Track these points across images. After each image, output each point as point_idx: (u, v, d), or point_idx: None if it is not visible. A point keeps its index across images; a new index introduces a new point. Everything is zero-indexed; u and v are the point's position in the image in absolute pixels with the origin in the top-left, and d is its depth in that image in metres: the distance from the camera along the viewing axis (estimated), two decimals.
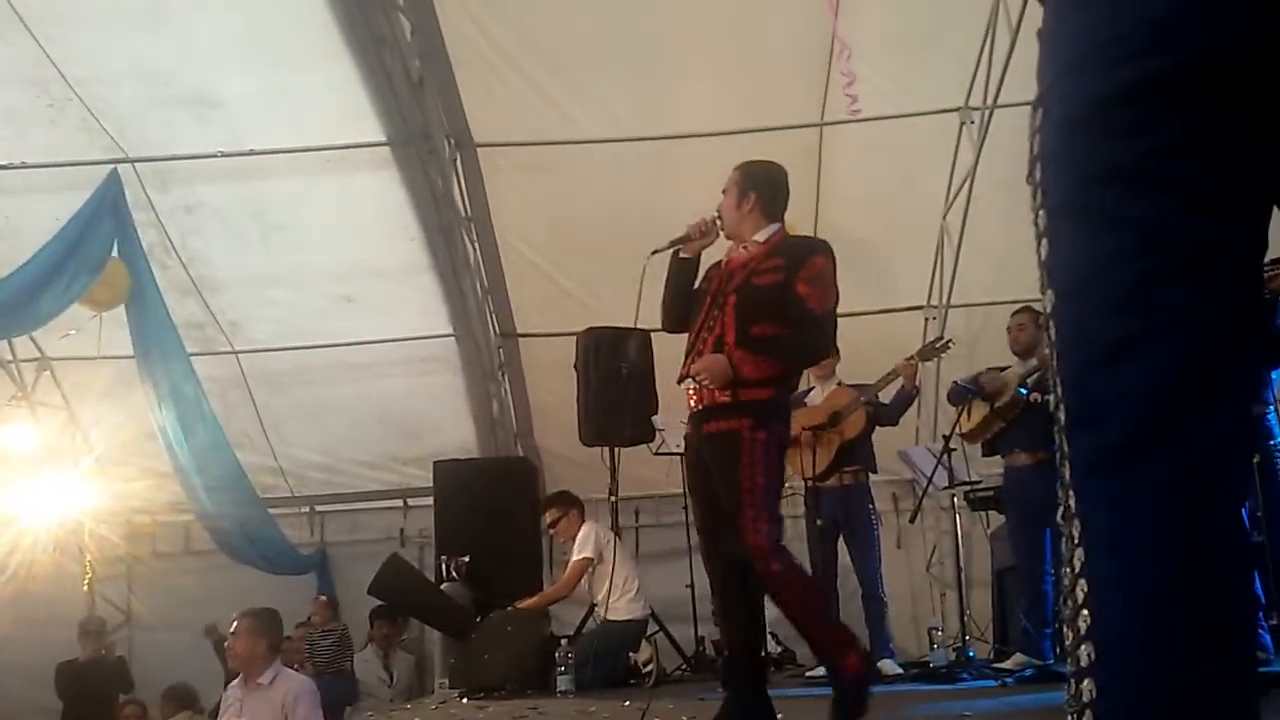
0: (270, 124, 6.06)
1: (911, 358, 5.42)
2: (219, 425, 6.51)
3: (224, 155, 6.21)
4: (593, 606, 5.51)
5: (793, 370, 3.52)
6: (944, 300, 6.98)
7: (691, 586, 6.01)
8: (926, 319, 7.13)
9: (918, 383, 5.56)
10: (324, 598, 7.44)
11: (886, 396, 5.61)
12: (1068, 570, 1.03)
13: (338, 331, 7.05)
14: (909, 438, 6.92)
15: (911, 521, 6.28)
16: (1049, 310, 1.08)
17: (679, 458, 6.39)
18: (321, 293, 6.90)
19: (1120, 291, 1.01)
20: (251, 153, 6.19)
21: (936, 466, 5.65)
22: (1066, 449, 1.05)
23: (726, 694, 3.44)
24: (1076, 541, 1.03)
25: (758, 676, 3.43)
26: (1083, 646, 1.01)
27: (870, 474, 5.85)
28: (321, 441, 7.69)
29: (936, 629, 5.80)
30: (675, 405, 6.06)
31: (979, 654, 5.45)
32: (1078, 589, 1.01)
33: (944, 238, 6.84)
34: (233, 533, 6.74)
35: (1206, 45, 0.97)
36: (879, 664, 5.46)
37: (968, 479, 5.81)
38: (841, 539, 5.76)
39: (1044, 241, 1.08)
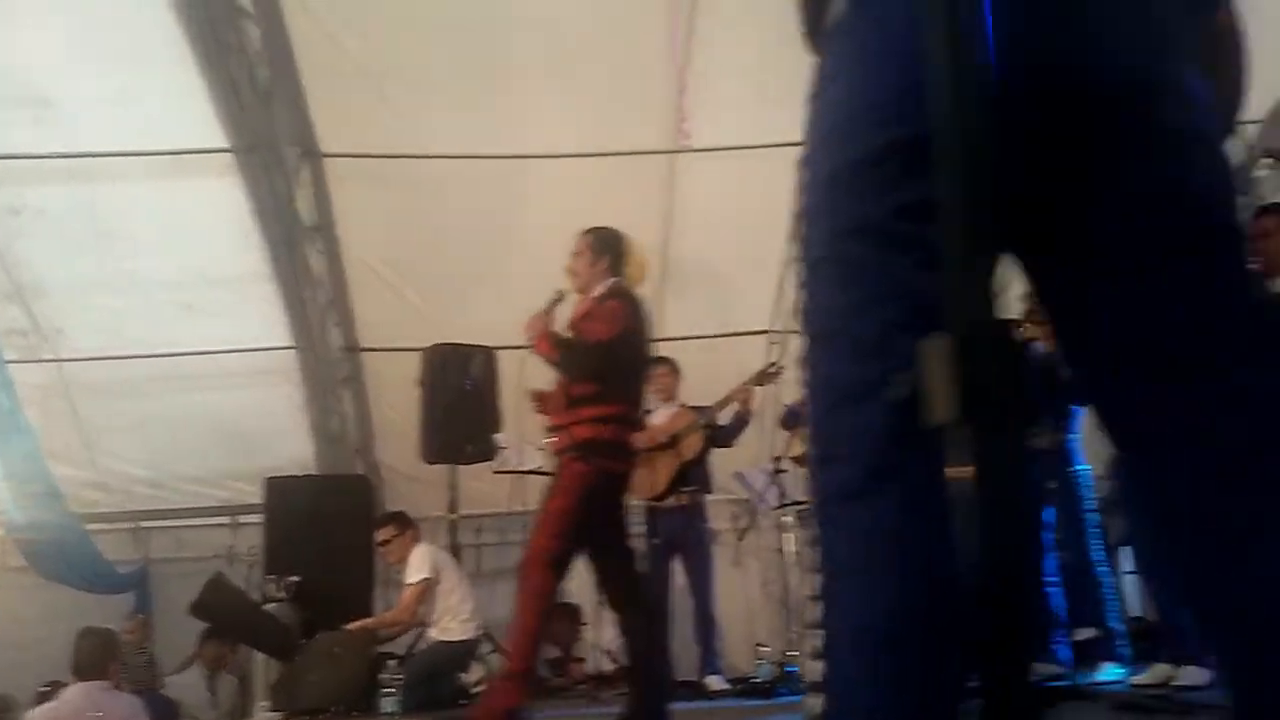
0: (110, 127, 5.85)
1: (747, 382, 5.58)
2: (35, 436, 6.20)
3: (58, 156, 5.96)
4: (423, 627, 5.45)
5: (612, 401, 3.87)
6: (787, 325, 7.20)
7: None
8: (770, 343, 7.34)
9: (753, 406, 5.72)
10: (141, 616, 7.16)
11: (727, 419, 5.75)
12: (810, 592, 1.13)
13: (172, 340, 6.81)
14: (749, 459, 7.10)
15: (740, 540, 6.44)
16: (803, 355, 1.17)
17: (523, 475, 6.41)
18: (156, 300, 6.66)
19: (864, 338, 1.10)
20: (87, 154, 5.96)
21: (769, 487, 5.82)
22: (815, 481, 1.15)
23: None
24: (819, 566, 1.12)
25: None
26: (819, 662, 1.11)
27: (706, 494, 5.99)
28: (148, 455, 7.39)
29: (764, 645, 5.95)
30: (518, 423, 6.09)
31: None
32: (817, 609, 1.11)
33: (789, 264, 7.06)
34: (46, 549, 6.42)
35: (947, 112, 1.07)
36: (705, 679, 5.58)
37: (799, 499, 6.00)
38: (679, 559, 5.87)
39: (803, 291, 1.18)
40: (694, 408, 5.84)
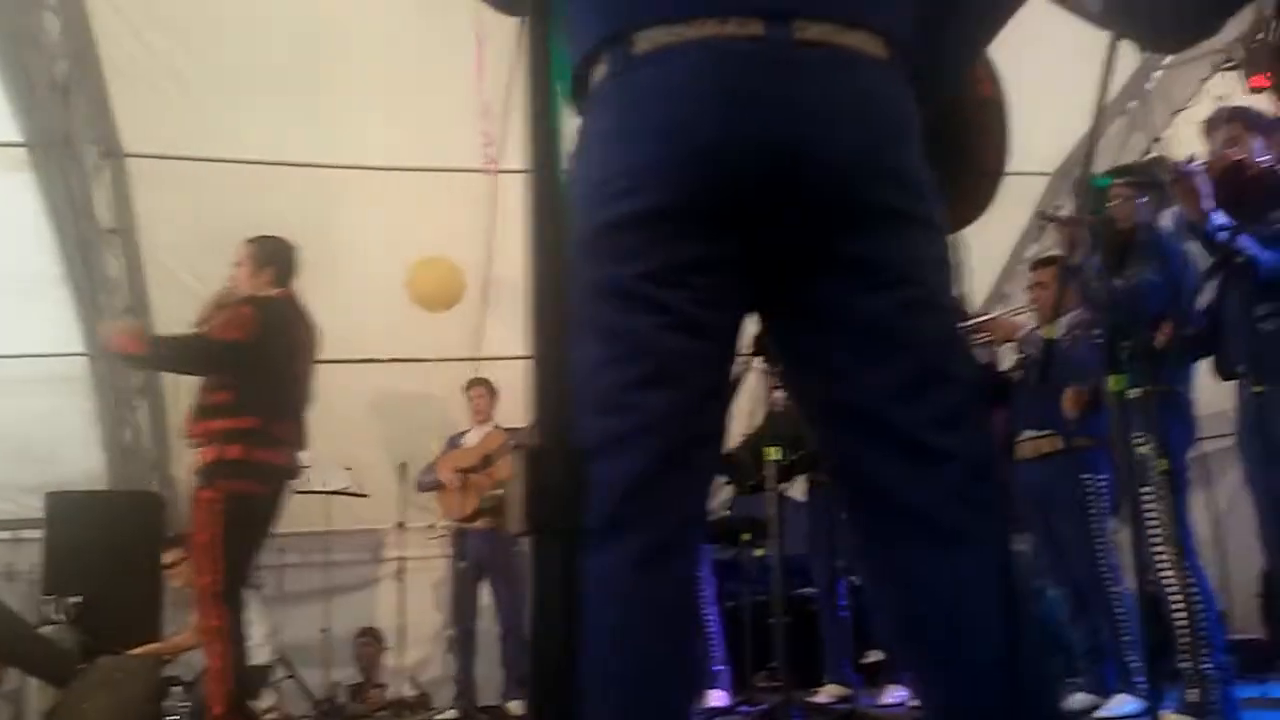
0: None
1: None
2: None
3: None
4: None
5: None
6: None
7: (327, 630, 5.85)
8: None
9: None
10: None
11: None
12: None
13: None
14: None
15: None
16: None
17: (327, 495, 6.25)
18: None
19: (604, 395, 1.16)
20: None
21: None
22: None
23: None
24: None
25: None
26: None
27: None
28: None
29: None
30: (322, 440, 5.92)
31: None
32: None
33: None
34: None
35: (683, 191, 1.15)
36: (508, 704, 5.55)
37: None
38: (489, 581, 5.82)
39: None
40: (510, 429, 5.82)
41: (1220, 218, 2.94)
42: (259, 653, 5.18)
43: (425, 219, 6.26)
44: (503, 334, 6.81)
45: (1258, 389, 2.90)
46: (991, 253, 6.49)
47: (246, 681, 5.10)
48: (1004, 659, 1.10)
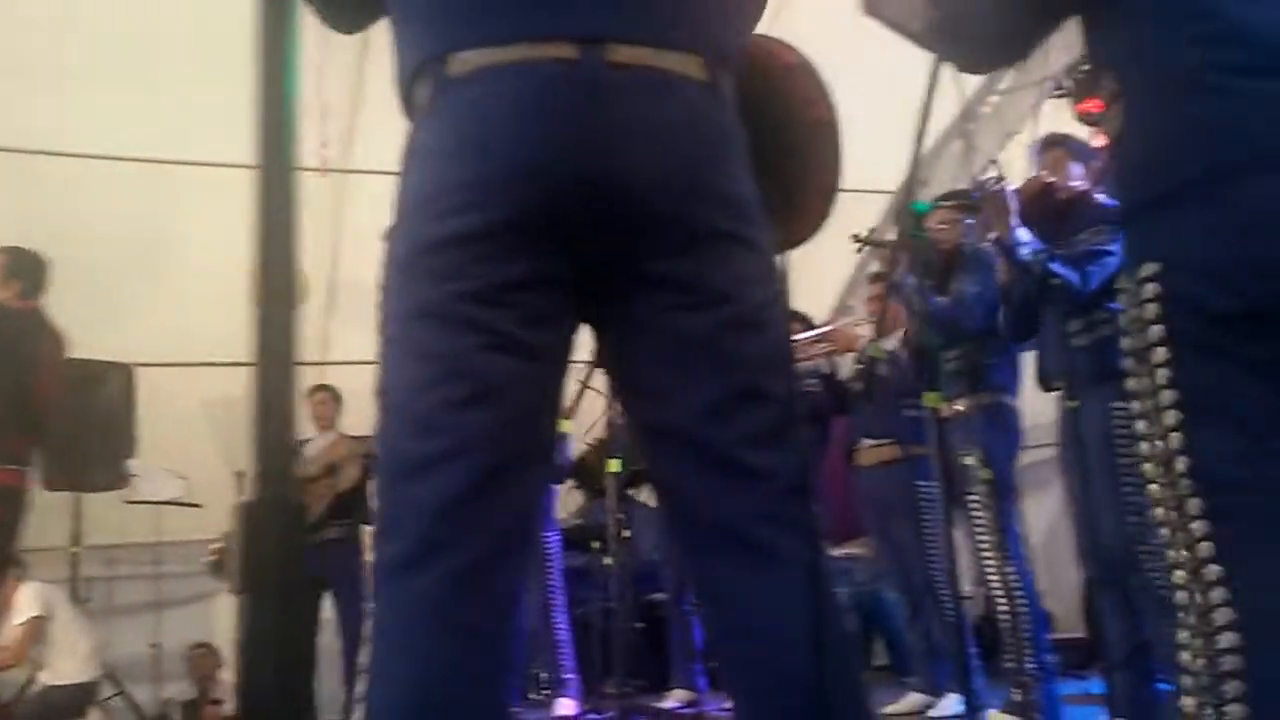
0: None
1: None
2: None
3: None
4: (35, 670, 4.94)
5: None
6: None
7: (158, 645, 5.60)
8: None
9: None
10: None
11: None
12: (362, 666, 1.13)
13: None
14: None
15: None
16: (375, 429, 1.19)
17: (158, 505, 5.98)
18: None
19: (423, 415, 1.15)
20: None
21: None
22: (374, 554, 1.17)
23: None
24: (370, 636, 1.14)
25: None
26: None
27: (365, 526, 5.82)
28: None
29: None
30: (153, 448, 5.67)
31: None
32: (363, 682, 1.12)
33: None
34: None
35: (501, 212, 1.15)
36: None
37: None
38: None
39: (379, 365, 1.20)
40: (355, 437, 5.67)
41: (1025, 236, 3.09)
42: (83, 669, 4.91)
43: None
44: (349, 337, 6.64)
45: (1071, 404, 3.05)
46: (836, 266, 6.68)
47: (72, 701, 4.85)
48: (813, 675, 1.13)
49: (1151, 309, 1.48)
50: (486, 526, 1.13)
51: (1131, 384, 1.54)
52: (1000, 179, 3.15)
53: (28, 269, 3.99)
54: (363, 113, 5.92)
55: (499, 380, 1.15)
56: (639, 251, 1.18)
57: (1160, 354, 1.47)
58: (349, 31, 1.42)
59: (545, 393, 1.22)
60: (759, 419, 1.20)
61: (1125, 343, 1.54)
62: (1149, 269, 1.48)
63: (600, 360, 1.32)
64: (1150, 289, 1.47)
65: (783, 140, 1.41)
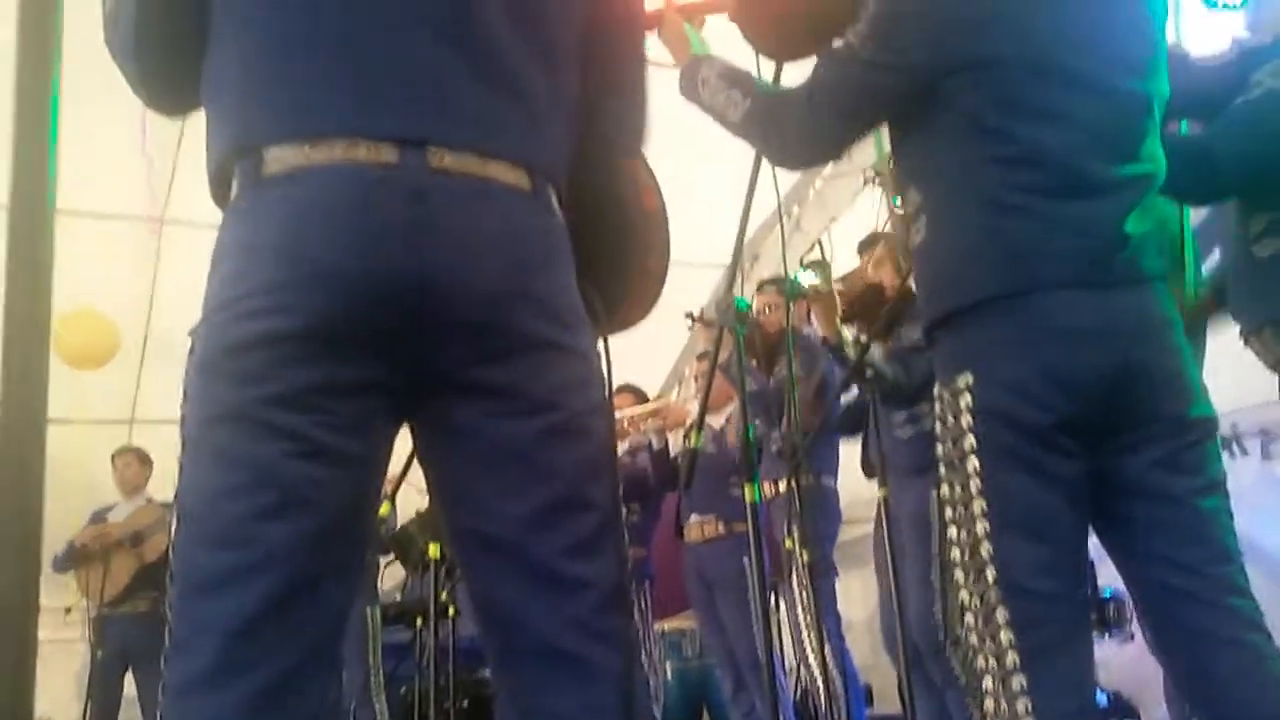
0: None
1: None
2: None
3: None
4: None
5: None
6: None
7: None
8: None
9: None
10: None
11: None
12: None
13: None
14: None
15: None
16: (172, 537, 1.12)
17: None
18: None
19: (224, 526, 1.07)
20: None
21: None
22: (164, 673, 1.09)
23: None
24: None
25: None
26: None
27: None
28: None
29: None
30: None
31: None
32: None
33: None
34: None
35: (311, 316, 1.10)
36: None
37: None
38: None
39: (180, 469, 1.13)
40: (164, 503, 5.39)
41: (849, 335, 3.23)
42: None
43: (75, 268, 5.73)
44: (162, 394, 6.32)
45: (883, 490, 3.17)
46: (668, 337, 6.79)
47: None
48: None
49: (966, 419, 1.54)
50: (291, 643, 1.07)
51: (945, 490, 1.60)
52: (825, 264, 3.27)
53: None
54: (185, 162, 5.69)
55: (305, 490, 1.09)
56: (456, 358, 1.16)
57: (973, 463, 1.54)
58: (169, 114, 1.34)
59: (357, 499, 1.16)
60: (578, 529, 1.19)
61: (940, 449, 1.60)
62: (964, 379, 1.55)
63: (419, 459, 1.29)
64: (966, 399, 1.55)
65: (615, 226, 1.43)
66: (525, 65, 1.23)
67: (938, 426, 1.61)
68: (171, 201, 5.88)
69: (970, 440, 1.54)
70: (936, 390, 1.61)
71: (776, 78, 1.98)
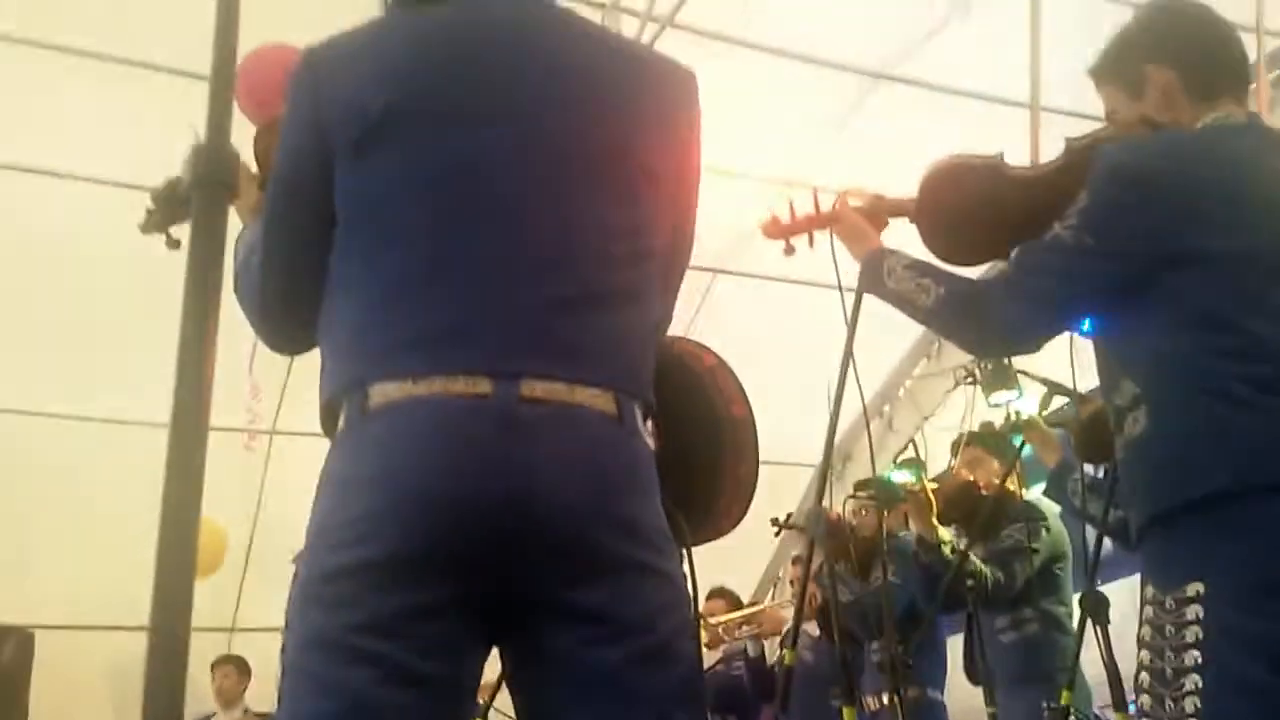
0: None
1: None
2: None
3: None
4: None
5: None
6: None
7: None
8: None
9: None
10: None
11: None
12: None
13: None
14: None
15: None
16: None
17: None
18: None
19: None
20: None
21: None
22: None
23: None
24: None
25: None
26: None
27: None
28: None
29: None
30: (44, 713, 5.31)
31: None
32: None
33: None
34: None
35: (405, 543, 1.16)
36: None
37: None
38: None
39: (280, 691, 1.17)
40: (261, 714, 5.39)
41: (947, 535, 3.16)
42: None
43: None
44: (263, 603, 6.41)
45: (991, 709, 3.03)
46: (761, 540, 6.71)
47: None
48: None
49: (1192, 632, 1.44)
50: None
51: (1146, 702, 1.49)
52: (920, 479, 3.25)
53: None
54: (295, 378, 5.96)
55: (397, 713, 1.13)
56: (546, 583, 1.19)
57: (1194, 681, 1.43)
58: (286, 354, 1.47)
59: (451, 713, 1.20)
60: None
61: (1147, 657, 1.50)
62: (1194, 588, 1.45)
63: (508, 683, 1.30)
64: (1193, 611, 1.44)
65: (705, 437, 1.46)
66: (613, 294, 1.30)
67: (1146, 632, 1.50)
68: (280, 414, 6.14)
69: (1195, 655, 1.44)
70: (1150, 594, 1.52)
71: None
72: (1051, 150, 1.89)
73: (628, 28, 4.44)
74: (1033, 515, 3.22)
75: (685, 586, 1.31)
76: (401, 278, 1.25)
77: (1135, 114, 1.72)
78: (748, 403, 1.55)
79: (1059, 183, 1.69)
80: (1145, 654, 1.51)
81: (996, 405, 3.84)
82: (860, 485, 4.15)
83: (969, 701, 3.75)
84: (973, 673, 3.33)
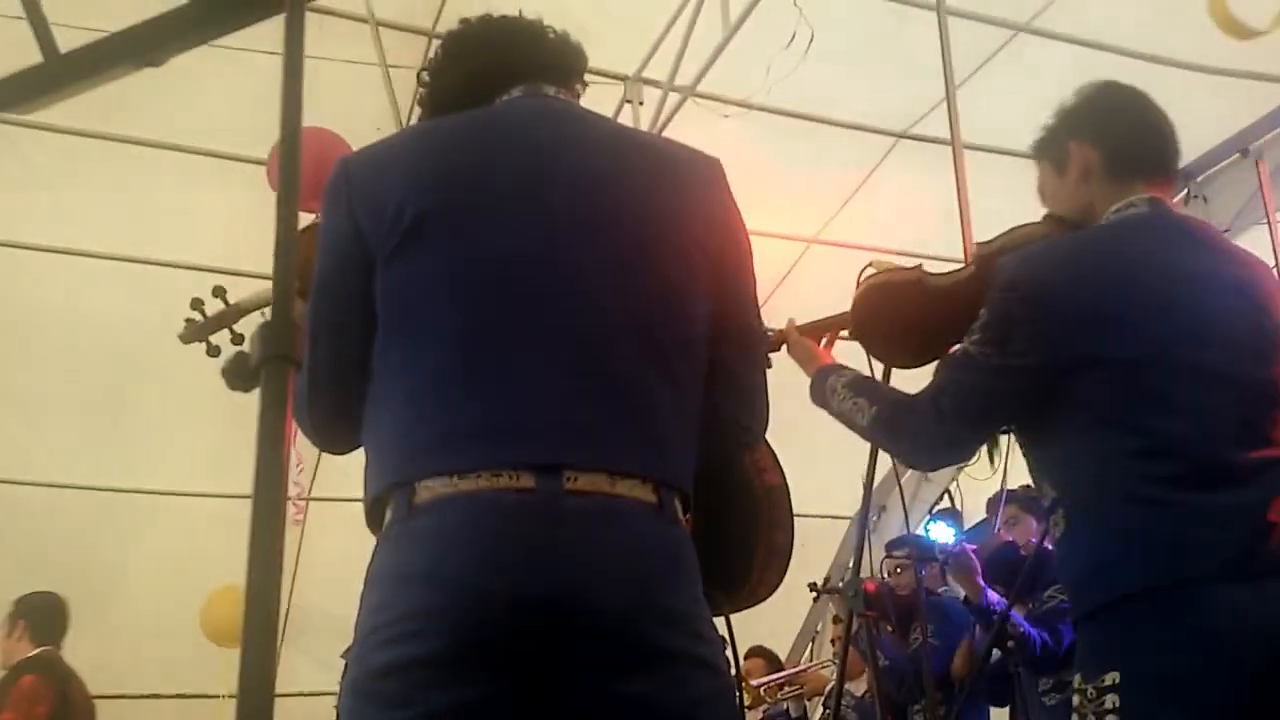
0: None
1: None
2: None
3: None
4: None
5: None
6: None
7: None
8: None
9: None
10: None
11: None
12: None
13: None
14: None
15: None
16: None
17: None
18: None
19: None
20: None
21: None
22: None
23: None
24: None
25: None
26: None
27: None
28: None
29: None
30: None
31: None
32: None
33: None
34: None
35: (451, 638, 1.17)
36: None
37: None
38: None
39: None
40: None
41: (995, 597, 3.14)
42: None
43: (224, 545, 5.98)
44: (302, 669, 6.41)
45: None
46: (800, 595, 6.67)
47: None
48: None
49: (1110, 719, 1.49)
50: None
51: None
52: (960, 540, 3.24)
53: (35, 612, 4.04)
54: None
55: None
56: (594, 675, 1.20)
57: None
58: (337, 453, 1.49)
59: None
60: None
61: None
62: (1110, 678, 1.51)
63: None
64: (1110, 700, 1.50)
65: (740, 511, 1.49)
66: (651, 384, 1.32)
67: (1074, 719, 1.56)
68: (316, 481, 6.20)
69: None
70: (1077, 683, 1.57)
71: (885, 377, 2.07)
72: None
73: (650, 98, 4.51)
74: None
75: (730, 675, 1.32)
76: (441, 375, 1.28)
77: (1059, 194, 1.79)
78: (780, 469, 1.57)
79: (970, 291, 1.75)
80: None
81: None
82: (894, 544, 4.13)
83: None
84: None
